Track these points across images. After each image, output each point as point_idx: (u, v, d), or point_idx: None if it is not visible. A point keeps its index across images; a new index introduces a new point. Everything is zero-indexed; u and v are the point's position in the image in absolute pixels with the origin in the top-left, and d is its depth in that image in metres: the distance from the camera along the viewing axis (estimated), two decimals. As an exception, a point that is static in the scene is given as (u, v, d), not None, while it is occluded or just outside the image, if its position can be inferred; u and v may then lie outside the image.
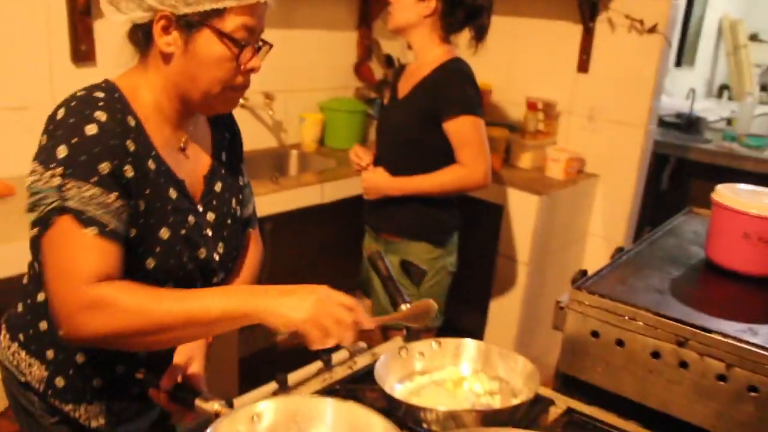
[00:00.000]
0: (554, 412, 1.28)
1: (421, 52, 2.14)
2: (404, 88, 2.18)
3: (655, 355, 1.30)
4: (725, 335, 1.23)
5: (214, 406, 1.11)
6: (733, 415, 1.23)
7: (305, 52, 3.14)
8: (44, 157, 1.04)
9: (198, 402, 1.12)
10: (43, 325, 1.22)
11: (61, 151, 1.03)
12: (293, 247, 3.22)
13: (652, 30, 2.83)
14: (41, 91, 2.22)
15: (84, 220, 1.02)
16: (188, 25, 1.08)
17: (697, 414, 1.27)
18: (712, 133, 4.82)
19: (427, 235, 2.19)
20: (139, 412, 1.34)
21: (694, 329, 1.26)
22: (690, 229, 1.91)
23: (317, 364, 1.35)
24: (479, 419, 1.09)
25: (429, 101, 2.07)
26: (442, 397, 1.24)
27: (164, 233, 1.15)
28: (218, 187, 1.29)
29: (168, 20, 1.08)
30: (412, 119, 2.12)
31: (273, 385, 1.26)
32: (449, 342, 1.34)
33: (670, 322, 1.28)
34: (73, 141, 1.03)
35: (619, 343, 1.35)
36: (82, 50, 2.26)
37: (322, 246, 3.28)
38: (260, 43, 1.15)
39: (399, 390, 1.22)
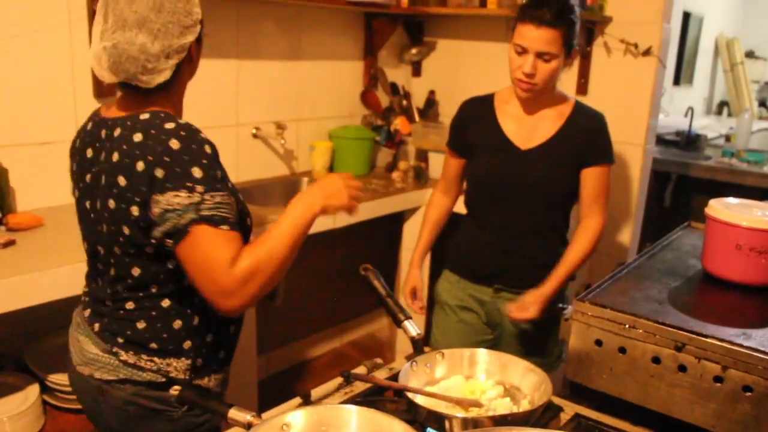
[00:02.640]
0: (563, 418, 1.36)
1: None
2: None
3: (656, 360, 1.38)
4: (721, 339, 1.31)
5: (247, 417, 1.19)
6: (730, 414, 1.30)
7: (314, 82, 3.25)
8: (182, 182, 1.23)
9: (231, 413, 1.20)
10: (177, 324, 1.40)
11: (197, 172, 1.24)
12: (306, 270, 3.29)
13: (647, 53, 2.94)
14: (66, 127, 2.32)
15: (216, 221, 1.25)
16: (201, 37, 1.36)
17: (697, 415, 1.34)
18: (712, 150, 4.90)
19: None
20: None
21: (691, 334, 1.33)
22: (688, 243, 1.99)
23: (338, 380, 1.44)
24: (494, 424, 1.18)
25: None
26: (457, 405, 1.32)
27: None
28: None
29: (195, 46, 1.35)
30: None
31: (297, 400, 1.35)
32: (455, 352, 1.45)
33: (669, 328, 1.36)
34: (204, 162, 1.25)
35: (622, 350, 1.42)
36: (105, 86, 2.36)
37: (334, 269, 3.36)
38: None
39: (420, 399, 1.31)
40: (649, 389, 1.39)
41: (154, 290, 1.38)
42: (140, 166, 1.24)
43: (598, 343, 1.46)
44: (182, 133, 1.26)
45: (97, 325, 1.42)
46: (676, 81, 6.61)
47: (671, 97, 6.19)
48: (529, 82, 1.87)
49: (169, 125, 1.27)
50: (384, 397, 1.38)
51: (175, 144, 1.24)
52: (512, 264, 2.04)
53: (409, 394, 1.28)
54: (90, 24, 2.29)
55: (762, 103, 7.83)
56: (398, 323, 1.48)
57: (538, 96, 1.94)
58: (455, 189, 2.21)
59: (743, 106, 7.10)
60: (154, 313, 1.39)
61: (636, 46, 2.96)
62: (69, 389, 2.03)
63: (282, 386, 3.17)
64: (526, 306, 1.93)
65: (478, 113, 2.06)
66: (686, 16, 6.44)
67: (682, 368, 1.34)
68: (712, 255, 1.69)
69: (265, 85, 3.01)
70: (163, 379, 1.40)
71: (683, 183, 4.48)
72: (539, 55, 1.83)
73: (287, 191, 3.04)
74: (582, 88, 3.16)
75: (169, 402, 1.40)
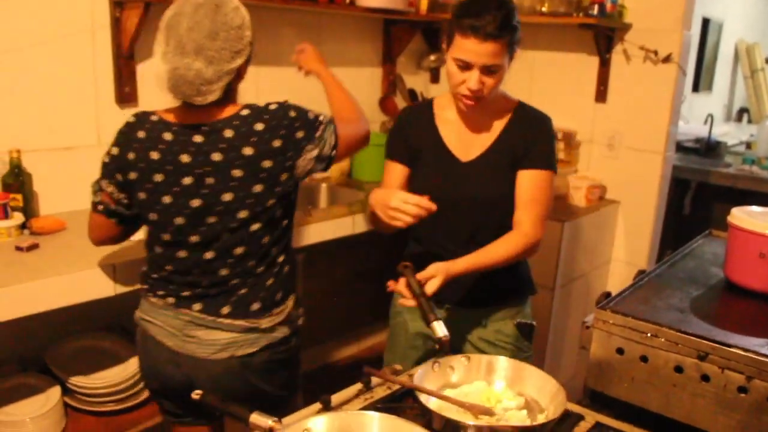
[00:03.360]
0: (584, 427, 1.35)
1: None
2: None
3: (678, 369, 1.37)
4: (744, 349, 1.30)
5: (268, 422, 1.19)
6: (756, 425, 1.29)
7: (332, 89, 3.26)
8: (312, 129, 1.61)
9: (253, 417, 1.20)
10: (286, 269, 1.70)
11: (311, 114, 1.65)
12: (326, 276, 3.30)
13: (667, 60, 2.92)
14: (88, 132, 2.35)
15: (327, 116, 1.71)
16: (250, 57, 1.59)
17: (721, 425, 1.33)
18: (732, 157, 4.86)
19: (532, 289, 1.95)
20: None
21: (714, 344, 1.32)
22: (709, 251, 1.97)
23: (357, 386, 1.44)
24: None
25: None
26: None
27: None
28: None
29: (244, 67, 1.58)
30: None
31: (317, 406, 1.35)
32: (480, 358, 1.44)
33: (691, 337, 1.35)
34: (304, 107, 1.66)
35: (643, 359, 1.41)
36: (126, 92, 2.39)
37: (354, 275, 3.36)
38: None
39: (433, 401, 1.30)
40: (671, 399, 1.38)
41: (275, 251, 1.64)
42: (277, 143, 1.52)
43: (620, 351, 1.45)
44: (284, 102, 1.61)
45: (225, 309, 1.60)
46: (696, 88, 6.56)
47: (690, 103, 6.15)
48: (475, 97, 1.68)
49: (272, 106, 1.57)
50: (404, 404, 1.38)
51: (292, 113, 1.58)
52: (462, 282, 1.72)
53: (422, 397, 1.28)
54: (112, 31, 2.32)
55: (783, 110, 7.74)
56: (427, 323, 1.47)
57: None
58: None
59: (764, 112, 7.03)
60: (275, 269, 1.65)
61: (656, 53, 2.95)
62: (89, 391, 2.07)
63: (301, 391, 3.17)
64: (429, 275, 1.58)
65: (417, 121, 1.86)
66: (705, 22, 6.39)
67: (706, 378, 1.33)
68: (734, 264, 1.68)
69: (284, 92, 3.00)
70: (288, 330, 1.68)
71: (703, 190, 4.45)
72: (485, 69, 1.64)
73: (305, 197, 3.05)
74: (601, 95, 3.14)
75: (292, 348, 1.71)
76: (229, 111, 1.55)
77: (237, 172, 1.51)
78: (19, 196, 2.12)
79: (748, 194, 4.15)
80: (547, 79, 3.28)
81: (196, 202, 1.54)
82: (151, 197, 1.56)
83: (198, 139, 1.53)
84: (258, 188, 1.54)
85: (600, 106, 3.16)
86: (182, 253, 1.60)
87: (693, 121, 5.97)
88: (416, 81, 3.65)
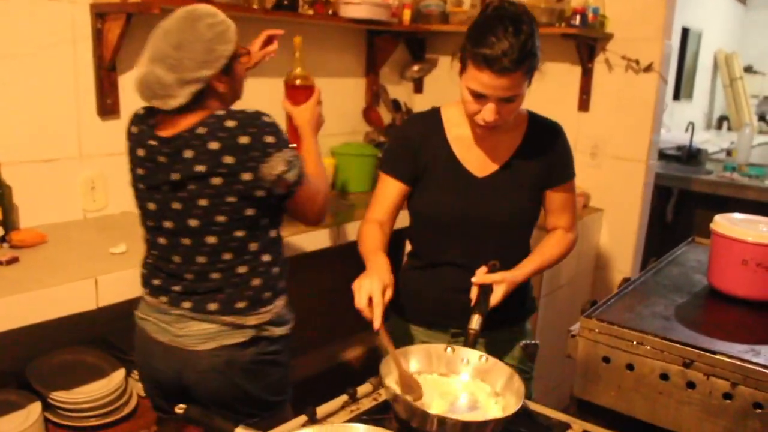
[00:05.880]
0: (571, 435, 1.35)
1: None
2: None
3: (664, 377, 1.37)
4: (729, 356, 1.31)
5: (254, 435, 1.18)
6: (741, 431, 1.29)
7: (316, 99, 3.26)
8: (285, 143, 1.60)
9: (238, 431, 1.19)
10: (276, 270, 1.72)
11: (285, 136, 1.61)
12: (310, 287, 3.29)
13: (648, 69, 2.95)
14: (69, 144, 2.32)
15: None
16: (228, 68, 1.61)
17: (707, 432, 1.33)
18: (713, 164, 4.91)
19: (534, 307, 1.91)
20: None
21: (699, 351, 1.33)
22: (693, 258, 1.99)
23: (343, 398, 1.43)
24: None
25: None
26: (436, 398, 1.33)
27: None
28: None
29: (218, 75, 1.59)
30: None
31: (302, 418, 1.33)
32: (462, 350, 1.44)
33: (677, 345, 1.36)
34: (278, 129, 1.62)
35: (629, 367, 1.42)
36: (108, 104, 2.37)
37: (339, 286, 3.34)
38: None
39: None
40: (657, 406, 1.38)
41: (254, 248, 1.65)
42: (244, 139, 1.53)
43: (606, 359, 1.45)
44: (266, 118, 1.60)
45: (212, 306, 1.64)
46: (676, 96, 6.64)
47: (671, 111, 6.21)
48: (489, 126, 1.61)
49: (248, 110, 1.60)
50: (390, 415, 1.37)
51: (268, 118, 1.59)
52: (469, 304, 1.66)
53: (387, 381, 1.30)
54: (94, 43, 2.31)
55: (762, 118, 7.85)
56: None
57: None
58: (390, 223, 1.78)
59: (743, 120, 7.13)
60: (261, 269, 1.67)
61: (637, 62, 2.97)
62: (71, 406, 2.04)
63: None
64: (494, 281, 1.59)
65: (426, 134, 1.75)
66: (685, 32, 6.48)
67: (691, 385, 1.34)
68: (718, 271, 1.69)
69: (267, 103, 3.00)
70: (277, 331, 1.70)
71: (685, 198, 4.49)
72: (502, 100, 1.56)
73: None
74: (583, 104, 3.17)
75: (280, 350, 1.72)
76: (202, 115, 1.60)
77: (200, 168, 1.55)
78: (-2, 209, 2.09)
79: (729, 201, 4.20)
80: (530, 88, 3.28)
81: (164, 189, 1.63)
82: (135, 185, 1.71)
83: (164, 141, 1.62)
84: (216, 181, 1.56)
85: (583, 115, 3.18)
86: (162, 240, 1.68)
87: (674, 128, 6.03)
88: (400, 91, 3.66)
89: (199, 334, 1.65)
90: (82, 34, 2.30)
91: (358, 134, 3.52)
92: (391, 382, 1.32)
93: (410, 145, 1.74)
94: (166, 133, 1.62)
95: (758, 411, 1.27)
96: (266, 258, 1.69)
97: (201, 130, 1.56)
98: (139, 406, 2.19)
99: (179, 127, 1.60)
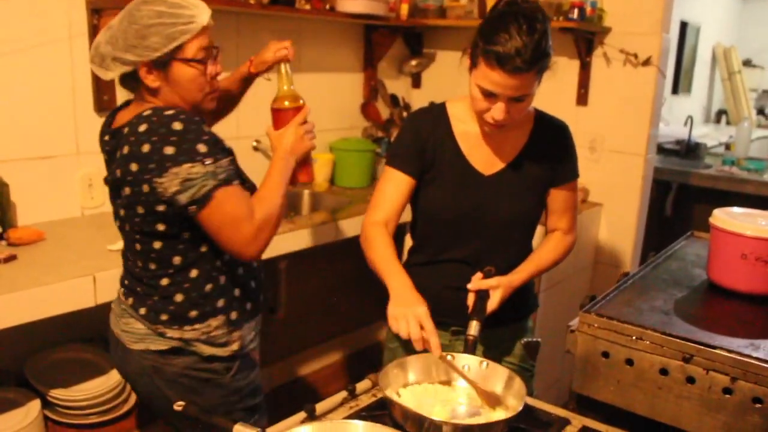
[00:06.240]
0: (570, 431, 1.34)
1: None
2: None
3: (663, 372, 1.37)
4: (729, 350, 1.30)
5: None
6: (741, 426, 1.29)
7: (314, 94, 3.23)
8: (189, 156, 1.40)
9: (237, 428, 1.18)
10: (209, 287, 1.59)
11: (202, 148, 1.41)
12: (308, 283, 3.28)
13: (646, 63, 2.94)
14: (66, 141, 2.32)
15: (231, 179, 1.46)
16: (162, 64, 1.47)
17: (707, 427, 1.33)
18: (711, 158, 4.91)
19: (535, 304, 1.91)
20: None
21: (698, 346, 1.33)
22: (692, 252, 1.98)
23: (342, 394, 1.43)
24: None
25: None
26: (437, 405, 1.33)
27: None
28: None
29: (147, 66, 1.47)
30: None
31: (302, 415, 1.33)
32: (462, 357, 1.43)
33: (676, 339, 1.35)
34: (205, 138, 1.43)
35: (629, 362, 1.41)
36: (105, 100, 2.36)
37: (337, 282, 3.35)
38: (214, 52, 1.55)
39: (403, 394, 1.34)
40: (657, 401, 1.38)
41: (177, 262, 1.55)
42: (146, 147, 1.41)
43: (605, 355, 1.45)
44: (182, 116, 1.43)
45: (142, 310, 1.58)
46: (675, 90, 6.64)
47: (670, 106, 6.20)
48: (498, 125, 1.59)
49: (169, 112, 1.44)
50: (389, 411, 1.37)
51: (177, 125, 1.41)
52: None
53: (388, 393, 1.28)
54: (90, 39, 2.30)
55: (760, 111, 7.85)
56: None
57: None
58: (396, 221, 1.73)
59: (742, 114, 7.12)
60: (187, 285, 1.57)
61: (635, 56, 2.97)
62: (70, 404, 2.04)
63: (284, 400, 3.15)
64: (491, 286, 1.59)
65: (432, 130, 1.72)
66: (683, 26, 6.47)
67: (691, 380, 1.34)
68: (717, 265, 1.69)
69: (265, 98, 2.99)
70: (211, 351, 1.60)
71: (684, 192, 4.48)
72: (512, 99, 1.53)
73: (288, 203, 3.04)
74: (582, 98, 3.16)
75: (217, 370, 1.61)
76: (137, 110, 1.51)
77: (118, 171, 1.49)
78: (-5, 207, 2.08)
79: (728, 195, 4.19)
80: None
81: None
82: None
83: (110, 135, 1.58)
84: (127, 191, 1.49)
85: (581, 109, 3.18)
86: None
87: (673, 123, 6.03)
88: (398, 86, 3.65)
89: (133, 332, 1.60)
90: (79, 30, 2.29)
91: (356, 129, 3.51)
92: (392, 393, 1.31)
93: (418, 139, 1.71)
94: (114, 126, 1.57)
95: (758, 406, 1.26)
96: (194, 274, 1.56)
97: (126, 130, 1.49)
98: (138, 404, 2.19)
99: (119, 121, 1.55)
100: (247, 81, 1.92)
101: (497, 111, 1.53)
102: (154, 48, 1.45)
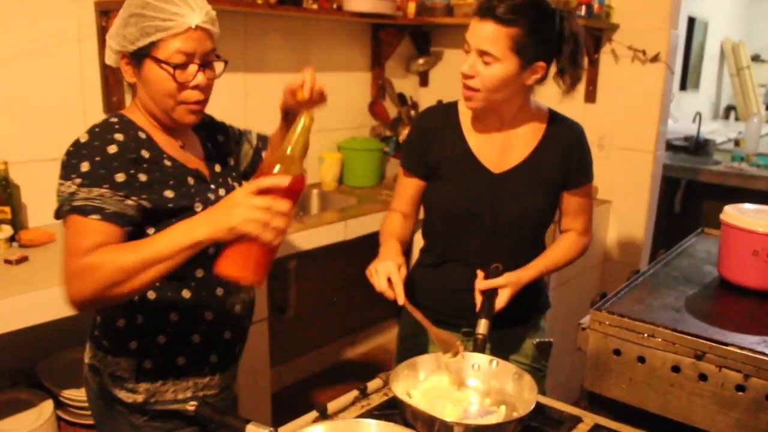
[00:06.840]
0: (582, 429, 1.34)
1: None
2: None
3: (675, 369, 1.36)
4: (741, 347, 1.30)
5: (266, 431, 1.18)
6: (754, 423, 1.28)
7: (322, 95, 3.25)
8: (67, 172, 1.28)
9: (249, 428, 1.19)
10: (121, 322, 1.44)
11: (84, 167, 1.27)
12: (318, 282, 3.29)
13: (655, 59, 2.93)
14: (76, 144, 2.33)
15: (87, 210, 1.25)
16: (136, 58, 1.36)
17: (720, 424, 1.32)
18: (720, 155, 4.88)
19: (548, 303, 1.90)
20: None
21: (711, 343, 1.32)
22: (702, 249, 1.97)
23: (353, 393, 1.43)
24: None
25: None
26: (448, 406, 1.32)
27: (197, 207, 1.41)
28: (218, 168, 1.56)
29: (126, 58, 1.38)
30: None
31: (314, 414, 1.33)
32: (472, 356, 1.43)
33: (688, 337, 1.35)
34: (96, 159, 1.28)
35: (640, 359, 1.41)
36: (114, 101, 2.38)
37: (346, 281, 3.35)
38: (210, 61, 1.40)
39: (414, 395, 1.33)
40: (669, 399, 1.37)
41: None
42: (64, 157, 1.32)
43: (617, 352, 1.44)
44: (96, 129, 1.33)
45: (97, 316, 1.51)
46: (683, 86, 6.60)
47: (678, 102, 6.17)
48: (467, 84, 1.57)
49: (106, 119, 1.37)
50: (400, 410, 1.37)
51: (84, 137, 1.32)
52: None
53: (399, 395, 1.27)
54: (99, 40, 2.31)
55: (769, 107, 7.80)
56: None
57: (491, 111, 1.65)
58: (414, 214, 1.80)
59: (750, 110, 7.08)
60: (106, 311, 1.46)
61: (644, 52, 2.96)
62: (83, 404, 2.05)
63: (295, 399, 3.15)
64: (498, 285, 1.59)
65: (440, 126, 1.72)
66: (691, 21, 6.43)
67: (703, 377, 1.33)
68: (728, 262, 1.68)
69: (273, 98, 2.99)
70: (111, 383, 1.46)
71: (693, 188, 4.46)
72: (480, 55, 1.53)
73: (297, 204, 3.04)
74: (590, 95, 3.15)
75: (129, 405, 1.45)
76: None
77: None
78: (7, 209, 2.09)
79: (737, 191, 4.17)
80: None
81: None
82: None
83: None
84: None
85: (589, 106, 3.17)
86: None
87: (681, 119, 6.00)
88: (405, 85, 3.65)
89: None
90: (88, 32, 2.30)
91: (365, 128, 3.51)
92: (403, 393, 1.31)
93: (426, 138, 1.72)
94: None
95: (771, 402, 1.26)
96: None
97: None
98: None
99: None
100: (288, 117, 1.66)
101: (466, 64, 1.56)
102: (130, 40, 1.34)
